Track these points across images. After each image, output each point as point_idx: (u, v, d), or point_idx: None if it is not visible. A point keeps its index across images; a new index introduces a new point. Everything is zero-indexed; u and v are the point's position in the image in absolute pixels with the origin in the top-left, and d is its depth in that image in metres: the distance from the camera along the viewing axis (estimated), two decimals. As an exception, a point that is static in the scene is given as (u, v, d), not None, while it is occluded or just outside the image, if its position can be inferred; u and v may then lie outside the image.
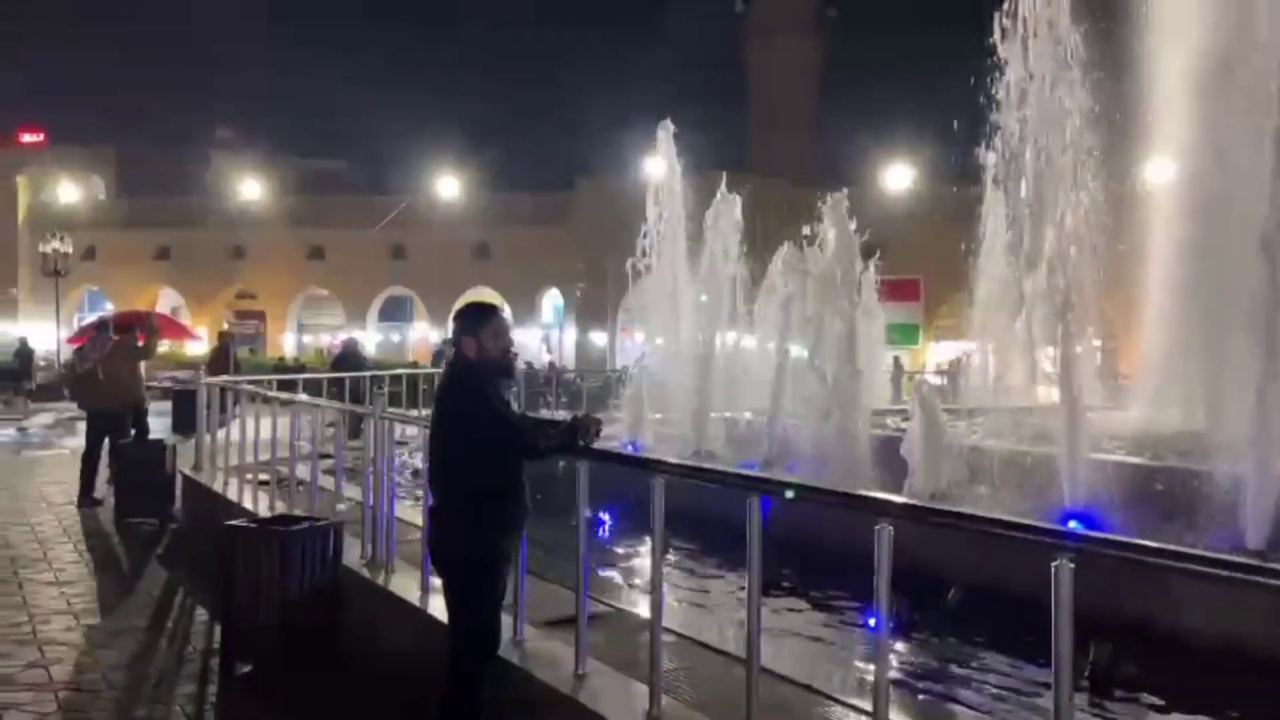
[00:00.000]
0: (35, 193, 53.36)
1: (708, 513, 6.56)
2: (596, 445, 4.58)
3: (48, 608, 7.54)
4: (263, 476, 9.42)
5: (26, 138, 56.55)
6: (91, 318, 31.71)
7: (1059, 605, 2.75)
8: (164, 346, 40.72)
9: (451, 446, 4.53)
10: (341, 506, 7.70)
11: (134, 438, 12.38)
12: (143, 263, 49.75)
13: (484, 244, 47.45)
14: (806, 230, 12.97)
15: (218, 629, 6.65)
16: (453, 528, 4.54)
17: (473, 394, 4.49)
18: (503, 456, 4.50)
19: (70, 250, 34.98)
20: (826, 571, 7.21)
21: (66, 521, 11.05)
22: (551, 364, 39.53)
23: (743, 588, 3.95)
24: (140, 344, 12.90)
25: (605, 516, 9.05)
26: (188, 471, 11.63)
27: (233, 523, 6.63)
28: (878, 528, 3.20)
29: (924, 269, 38.15)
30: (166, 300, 50.63)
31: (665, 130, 17.33)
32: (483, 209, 47.47)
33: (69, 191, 53.45)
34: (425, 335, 47.38)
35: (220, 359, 20.18)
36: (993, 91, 10.12)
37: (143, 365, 12.77)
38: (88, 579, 8.56)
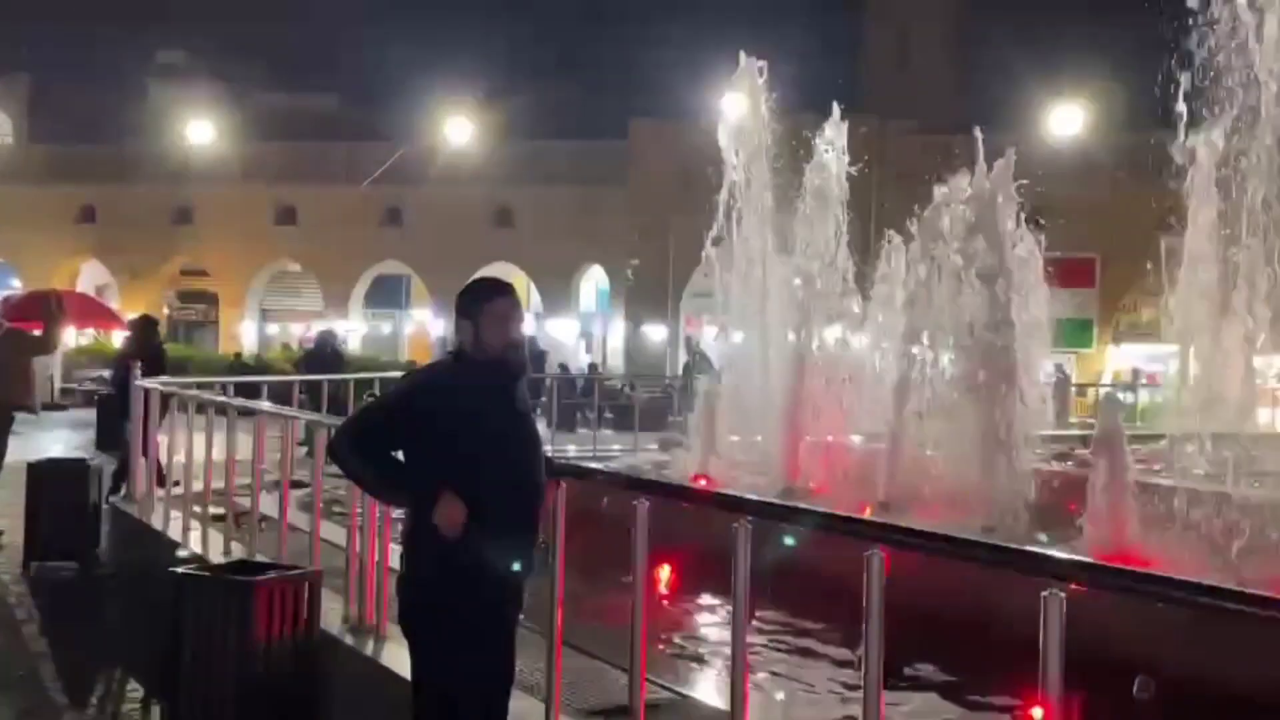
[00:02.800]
0: (-78, 136, 54.79)
1: (803, 566, 6.54)
2: (677, 483, 4.58)
3: (-62, 677, 7.73)
4: (215, 509, 9.56)
5: (-89, 64, 58.04)
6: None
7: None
8: (86, 337, 41.82)
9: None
10: (319, 552, 7.79)
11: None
12: (61, 227, 50.73)
13: (505, 208, 47.69)
14: (943, 189, 12.87)
15: (156, 708, 6.76)
16: (403, 564, 4.48)
17: (447, 393, 4.40)
18: (471, 463, 4.32)
19: (-32, 210, 35.88)
20: (971, 647, 7.15)
21: (-40, 565, 11.32)
22: (592, 367, 39.68)
23: (855, 667, 3.94)
24: (39, 333, 13.17)
25: (667, 570, 9.06)
26: (118, 501, 11.85)
27: (179, 570, 6.75)
28: (1045, 594, 3.18)
29: (1100, 245, 37.61)
30: (91, 276, 51.64)
31: (749, 60, 17.30)
32: (505, 161, 47.72)
33: (-34, 134, 54.82)
34: (426, 326, 47.81)
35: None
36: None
37: (35, 362, 12.98)
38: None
